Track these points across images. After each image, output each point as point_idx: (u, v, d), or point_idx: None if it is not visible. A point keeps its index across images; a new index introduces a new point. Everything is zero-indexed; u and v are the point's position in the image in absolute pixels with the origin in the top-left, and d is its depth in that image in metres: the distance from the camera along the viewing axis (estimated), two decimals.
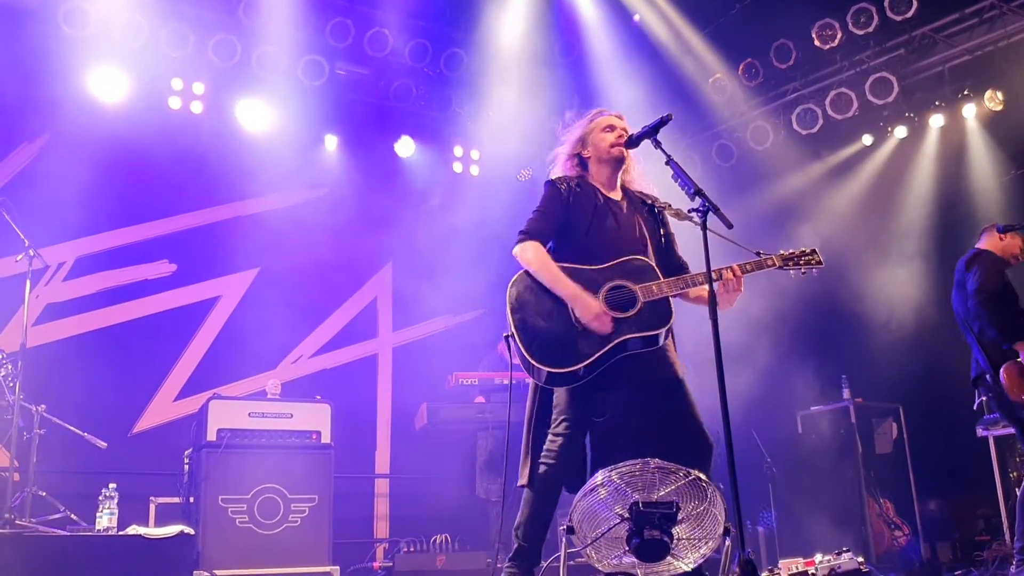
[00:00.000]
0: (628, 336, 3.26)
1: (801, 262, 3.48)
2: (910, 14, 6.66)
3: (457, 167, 8.17)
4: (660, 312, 3.31)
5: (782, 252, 3.50)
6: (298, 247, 7.18)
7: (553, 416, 3.38)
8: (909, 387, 7.18)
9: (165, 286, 6.92)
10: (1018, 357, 4.49)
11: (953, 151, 7.45)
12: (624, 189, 3.64)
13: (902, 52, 7.18)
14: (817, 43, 7.14)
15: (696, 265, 3.45)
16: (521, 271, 3.43)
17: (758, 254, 3.45)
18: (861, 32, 6.92)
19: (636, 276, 3.36)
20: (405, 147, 7.79)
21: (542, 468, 3.33)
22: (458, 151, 8.16)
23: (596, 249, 3.43)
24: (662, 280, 3.35)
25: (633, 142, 3.51)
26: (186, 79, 6.93)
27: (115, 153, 6.60)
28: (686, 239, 3.67)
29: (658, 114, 3.38)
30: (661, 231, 3.61)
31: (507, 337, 3.32)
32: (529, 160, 7.68)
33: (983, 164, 7.32)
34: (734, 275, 3.37)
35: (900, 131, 7.53)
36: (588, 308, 3.28)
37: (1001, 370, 4.51)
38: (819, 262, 3.50)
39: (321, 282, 7.31)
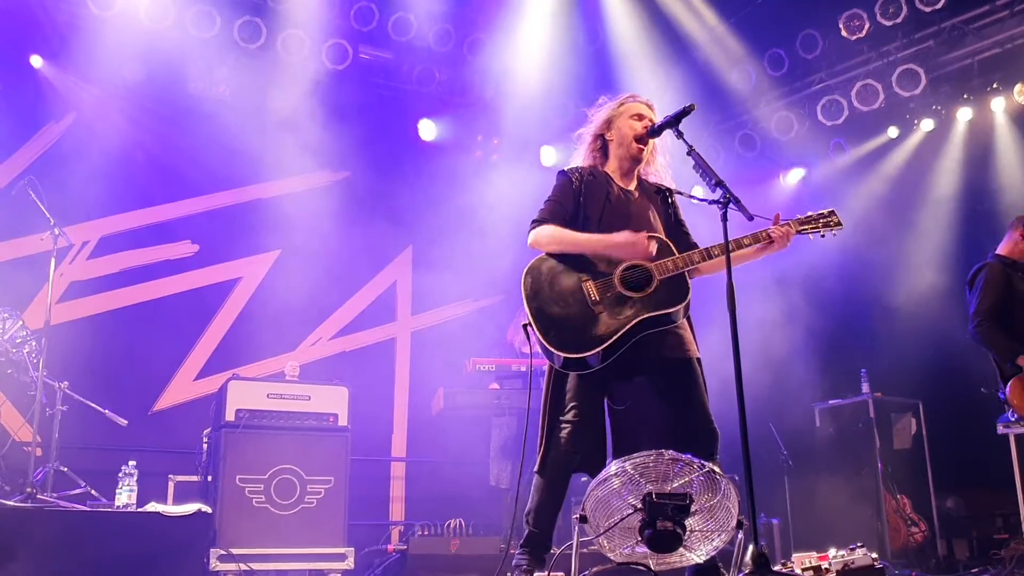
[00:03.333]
0: (645, 315, 3.24)
1: (820, 224, 3.42)
2: (940, 5, 6.56)
3: (478, 152, 8.17)
4: (677, 289, 3.29)
5: (799, 216, 3.44)
6: (319, 230, 7.20)
7: (564, 402, 3.38)
8: (929, 382, 7.13)
9: (187, 266, 6.98)
10: (1022, 373, 4.45)
11: (980, 145, 7.36)
12: (640, 179, 3.62)
13: (931, 44, 7.07)
14: (844, 33, 7.05)
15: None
16: (533, 260, 3.42)
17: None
18: (889, 23, 6.81)
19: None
20: (427, 131, 7.82)
21: (552, 454, 3.33)
22: (480, 136, 8.15)
23: None
24: (677, 256, 3.33)
25: (655, 131, 3.48)
26: (211, 61, 6.95)
27: (140, 134, 6.66)
28: (706, 224, 3.64)
29: (682, 103, 3.36)
30: (672, 215, 3.59)
31: (525, 326, 3.31)
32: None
33: (1011, 159, 7.24)
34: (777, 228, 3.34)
35: (927, 124, 7.44)
36: (620, 240, 3.27)
37: (1007, 386, 4.49)
38: (838, 223, 3.42)
39: (341, 265, 7.33)
